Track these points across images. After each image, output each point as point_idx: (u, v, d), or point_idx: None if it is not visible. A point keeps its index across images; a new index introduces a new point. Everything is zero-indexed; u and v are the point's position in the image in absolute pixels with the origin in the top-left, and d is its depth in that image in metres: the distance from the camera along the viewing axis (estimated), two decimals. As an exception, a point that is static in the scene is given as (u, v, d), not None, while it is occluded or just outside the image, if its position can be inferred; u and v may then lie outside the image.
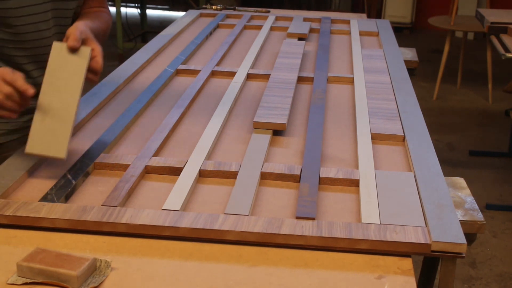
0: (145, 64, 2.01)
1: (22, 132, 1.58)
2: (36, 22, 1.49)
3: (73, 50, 1.29)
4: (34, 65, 1.55)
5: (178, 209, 1.14)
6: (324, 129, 1.54)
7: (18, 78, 1.23)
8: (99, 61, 1.32)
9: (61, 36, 1.56)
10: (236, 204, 1.16)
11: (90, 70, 1.32)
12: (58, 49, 1.30)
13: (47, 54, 1.40)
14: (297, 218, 1.12)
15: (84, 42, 1.32)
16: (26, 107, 1.30)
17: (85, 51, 1.30)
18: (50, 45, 1.39)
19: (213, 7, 2.86)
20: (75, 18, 1.62)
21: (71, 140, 1.29)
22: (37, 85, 1.33)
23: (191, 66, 1.99)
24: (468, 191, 1.49)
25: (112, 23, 1.72)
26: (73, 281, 0.94)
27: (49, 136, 1.25)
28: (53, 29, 1.55)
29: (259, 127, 1.50)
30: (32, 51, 1.53)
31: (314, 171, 1.30)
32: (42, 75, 1.31)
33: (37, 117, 1.26)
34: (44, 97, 1.27)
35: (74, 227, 1.10)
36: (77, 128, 1.51)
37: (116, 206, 1.14)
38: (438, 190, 1.22)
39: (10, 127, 1.59)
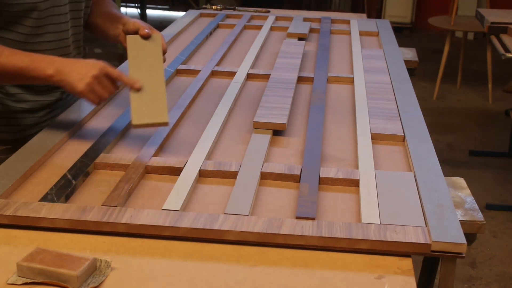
0: (145, 64, 2.00)
1: (39, 127, 1.61)
2: (57, 14, 1.55)
3: (147, 38, 1.48)
4: None
5: (178, 209, 1.14)
6: (324, 129, 1.54)
7: (115, 72, 1.39)
8: (164, 43, 1.50)
9: (76, 29, 1.64)
10: (236, 204, 1.16)
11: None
12: (133, 40, 1.48)
13: (66, 47, 1.57)
14: (297, 218, 1.12)
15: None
16: (42, 104, 1.57)
17: (157, 37, 1.49)
18: (68, 38, 1.59)
19: (213, 7, 2.86)
20: (85, 11, 1.68)
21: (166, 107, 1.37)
22: None
23: (191, 66, 1.99)
24: (468, 191, 1.49)
25: None
26: (73, 281, 0.94)
27: (149, 107, 1.36)
28: (70, 22, 1.60)
29: (259, 127, 1.50)
30: (53, 44, 1.56)
31: (314, 171, 1.30)
32: None
33: (133, 95, 1.38)
34: (134, 78, 1.39)
35: (74, 227, 1.10)
36: (77, 128, 1.51)
37: (116, 206, 1.14)
38: (438, 190, 1.22)
39: (28, 122, 1.61)
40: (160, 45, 1.47)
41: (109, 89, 1.38)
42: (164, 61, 1.49)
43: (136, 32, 1.51)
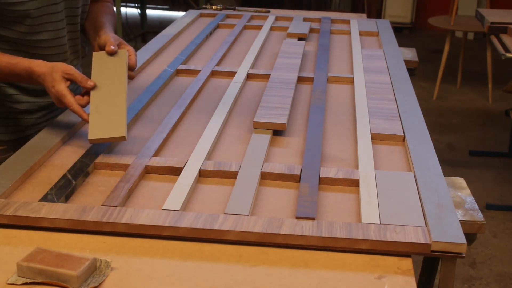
0: (145, 64, 2.01)
1: (36, 128, 1.62)
2: (53, 22, 1.54)
3: (112, 54, 1.48)
4: None
5: (178, 209, 1.14)
6: (324, 129, 1.54)
7: (76, 72, 1.39)
8: (133, 58, 1.50)
9: (73, 34, 1.64)
10: (236, 204, 1.16)
11: (128, 68, 1.48)
12: (98, 56, 1.48)
13: (62, 54, 1.58)
14: (297, 218, 1.12)
15: (118, 46, 1.51)
16: (39, 105, 1.60)
17: (123, 53, 1.49)
18: (65, 44, 1.60)
19: (213, 7, 2.86)
20: (82, 16, 1.67)
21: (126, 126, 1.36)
22: None
23: (191, 66, 1.99)
24: (468, 191, 1.49)
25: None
26: (73, 281, 0.94)
27: (107, 121, 1.36)
28: (66, 27, 1.60)
29: (259, 127, 1.50)
30: (48, 50, 1.56)
31: (314, 171, 1.30)
32: None
33: (92, 110, 1.38)
34: (95, 94, 1.40)
35: (74, 227, 1.10)
36: (77, 127, 1.51)
37: (116, 206, 1.14)
38: (438, 190, 1.22)
39: (25, 123, 1.62)
40: (125, 61, 1.46)
41: (72, 101, 1.38)
42: (132, 77, 1.51)
43: (104, 48, 1.51)
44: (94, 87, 1.41)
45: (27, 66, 1.41)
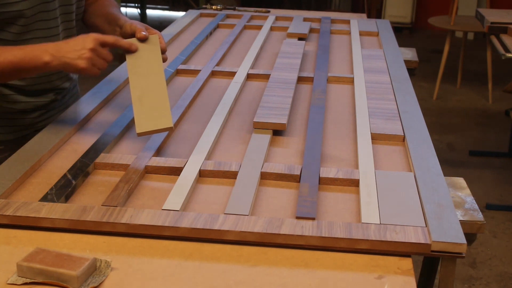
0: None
1: (34, 128, 1.62)
2: (46, 20, 1.53)
3: (144, 40, 1.45)
4: None
5: (178, 209, 1.14)
6: (324, 129, 1.54)
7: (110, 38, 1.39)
8: (162, 42, 1.48)
9: (68, 31, 1.62)
10: (236, 204, 1.16)
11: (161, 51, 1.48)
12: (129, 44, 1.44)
13: None
14: (297, 218, 1.12)
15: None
16: (35, 105, 1.57)
17: (154, 38, 1.46)
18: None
19: (213, 7, 2.86)
20: (77, 12, 1.66)
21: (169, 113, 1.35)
22: (50, 76, 1.58)
23: (191, 66, 1.99)
24: (468, 191, 1.49)
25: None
26: (73, 281, 0.94)
27: (152, 112, 1.34)
28: (61, 25, 1.59)
29: (259, 127, 1.50)
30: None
31: (314, 171, 1.30)
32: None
33: (135, 101, 1.35)
34: (135, 86, 1.38)
35: (74, 227, 1.10)
36: (77, 128, 1.51)
37: (116, 206, 1.14)
38: (438, 190, 1.22)
39: (22, 123, 1.61)
40: (158, 46, 1.44)
41: (107, 58, 1.39)
42: (165, 60, 1.48)
43: (133, 35, 1.48)
44: (134, 50, 1.42)
45: (40, 45, 1.38)
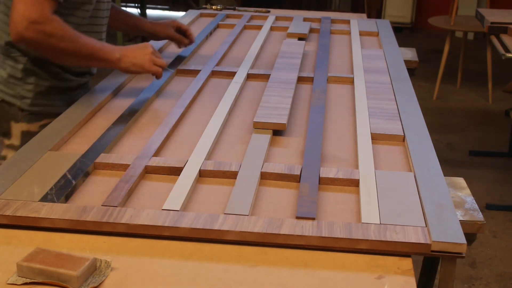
0: (145, 64, 2.00)
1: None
2: (104, 9, 1.77)
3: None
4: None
5: (178, 209, 1.14)
6: (324, 129, 1.54)
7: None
8: (191, 33, 2.09)
9: (105, 32, 1.88)
10: (236, 204, 1.16)
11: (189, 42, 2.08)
12: None
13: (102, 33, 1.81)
14: (297, 218, 1.12)
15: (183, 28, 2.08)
16: (78, 83, 1.80)
17: None
18: (103, 30, 1.81)
19: (213, 7, 2.86)
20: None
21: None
22: None
23: (191, 66, 1.99)
24: (468, 191, 1.49)
25: None
26: (73, 281, 0.94)
27: None
28: (104, 26, 1.81)
29: (259, 127, 1.50)
30: (102, 35, 1.80)
31: (314, 171, 1.30)
32: None
33: None
34: None
35: (74, 227, 1.10)
36: (77, 128, 1.51)
37: (116, 206, 1.14)
38: (438, 190, 1.22)
39: (70, 99, 1.76)
40: None
41: (163, 62, 1.70)
42: (190, 43, 2.09)
43: (178, 29, 2.03)
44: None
45: (109, 44, 1.64)
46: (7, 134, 1.72)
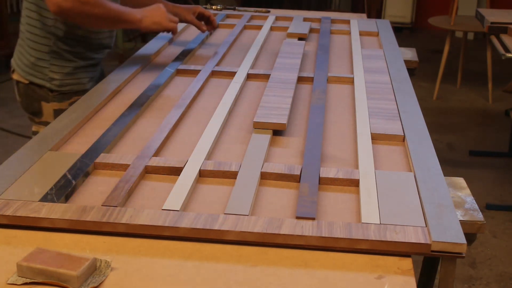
0: (145, 64, 2.01)
1: (95, 81, 1.96)
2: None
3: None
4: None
5: (178, 209, 1.14)
6: (324, 129, 1.54)
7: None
8: (214, 20, 2.27)
9: None
10: (236, 204, 1.16)
11: (212, 27, 2.27)
12: None
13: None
14: (297, 218, 1.12)
15: (206, 14, 2.25)
16: (97, 61, 1.98)
17: None
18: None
19: (213, 7, 2.86)
20: None
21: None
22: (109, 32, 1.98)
23: (191, 66, 1.99)
24: (468, 191, 1.49)
25: None
26: (73, 281, 0.94)
27: None
28: None
29: (259, 127, 1.50)
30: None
31: (314, 171, 1.30)
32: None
33: None
34: None
35: (74, 227, 1.10)
36: (77, 128, 1.51)
37: (116, 206, 1.14)
38: (438, 190, 1.22)
39: (92, 75, 1.95)
40: None
41: (175, 18, 1.94)
42: (214, 29, 2.29)
43: (200, 15, 2.19)
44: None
45: (128, 8, 1.85)
46: (38, 113, 1.90)
